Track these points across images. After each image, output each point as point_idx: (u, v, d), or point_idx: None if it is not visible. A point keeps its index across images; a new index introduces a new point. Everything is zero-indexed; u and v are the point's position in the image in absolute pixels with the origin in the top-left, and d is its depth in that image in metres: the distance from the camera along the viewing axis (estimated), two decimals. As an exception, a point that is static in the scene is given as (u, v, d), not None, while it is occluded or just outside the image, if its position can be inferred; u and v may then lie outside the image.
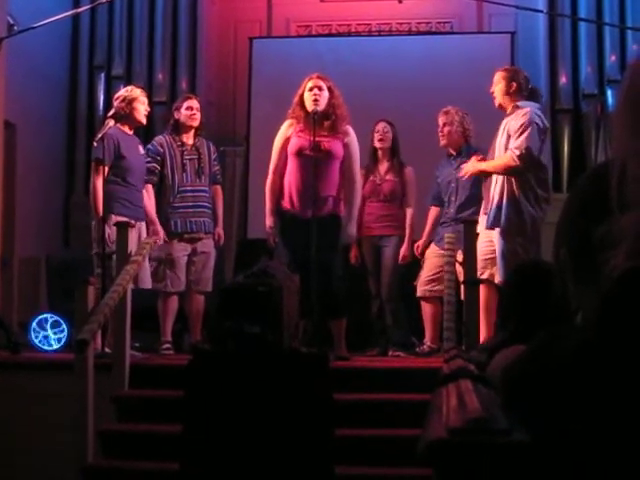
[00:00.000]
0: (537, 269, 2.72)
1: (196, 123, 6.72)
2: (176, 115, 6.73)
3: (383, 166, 6.95)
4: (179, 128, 6.72)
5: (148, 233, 6.46)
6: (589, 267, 1.16)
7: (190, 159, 6.66)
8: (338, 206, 6.18)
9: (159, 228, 6.52)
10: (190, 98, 6.82)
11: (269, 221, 6.23)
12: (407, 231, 6.83)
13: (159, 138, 6.80)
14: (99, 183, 6.25)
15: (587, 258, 1.17)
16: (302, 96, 6.17)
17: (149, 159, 6.64)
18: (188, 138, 6.73)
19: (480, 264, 5.80)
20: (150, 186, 6.63)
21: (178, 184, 6.62)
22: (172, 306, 6.55)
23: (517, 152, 5.72)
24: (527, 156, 5.72)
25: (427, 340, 6.62)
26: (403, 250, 6.79)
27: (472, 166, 6.11)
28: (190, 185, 6.64)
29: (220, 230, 6.80)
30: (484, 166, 6.02)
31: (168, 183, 6.62)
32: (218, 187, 6.92)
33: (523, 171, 5.74)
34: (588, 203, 1.22)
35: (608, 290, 1.01)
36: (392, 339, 6.76)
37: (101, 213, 6.17)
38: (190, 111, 6.68)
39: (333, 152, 6.15)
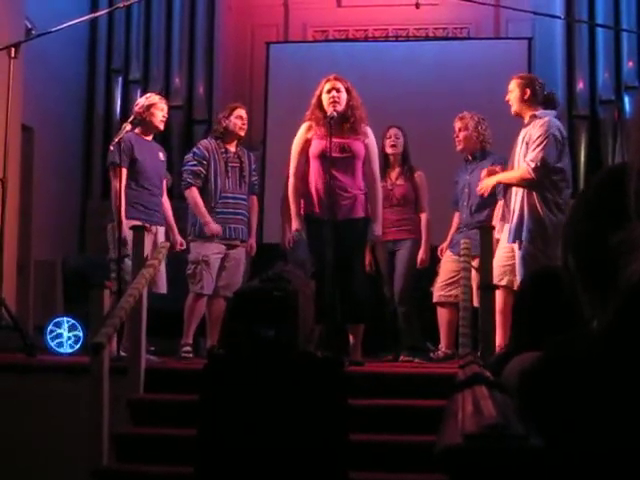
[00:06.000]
0: (550, 275, 2.69)
1: (244, 132, 6.77)
2: (224, 122, 6.72)
3: (394, 172, 6.95)
4: (226, 136, 6.73)
5: (168, 238, 6.50)
6: (603, 274, 1.15)
7: (233, 166, 6.69)
8: (366, 208, 6.17)
9: (177, 237, 6.58)
10: (240, 107, 6.80)
11: (296, 224, 6.19)
12: (424, 235, 6.83)
13: (205, 142, 6.82)
14: (118, 186, 6.28)
15: (600, 264, 1.16)
16: (320, 98, 6.13)
17: (195, 162, 6.65)
18: (231, 146, 6.75)
19: (499, 270, 5.79)
20: (195, 189, 6.62)
21: (221, 190, 6.64)
22: (200, 308, 6.55)
23: (532, 165, 5.70)
24: (542, 168, 5.70)
25: (442, 346, 6.60)
26: (421, 254, 6.79)
27: (487, 181, 6.12)
28: (232, 192, 6.67)
29: (253, 241, 6.85)
30: (499, 178, 6.06)
31: (211, 187, 6.63)
32: (254, 198, 6.95)
33: (538, 183, 5.73)
34: (602, 208, 1.21)
35: (628, 296, 1.00)
36: (404, 344, 6.75)
37: (122, 217, 6.21)
38: (241, 120, 6.70)
39: (357, 153, 6.13)
